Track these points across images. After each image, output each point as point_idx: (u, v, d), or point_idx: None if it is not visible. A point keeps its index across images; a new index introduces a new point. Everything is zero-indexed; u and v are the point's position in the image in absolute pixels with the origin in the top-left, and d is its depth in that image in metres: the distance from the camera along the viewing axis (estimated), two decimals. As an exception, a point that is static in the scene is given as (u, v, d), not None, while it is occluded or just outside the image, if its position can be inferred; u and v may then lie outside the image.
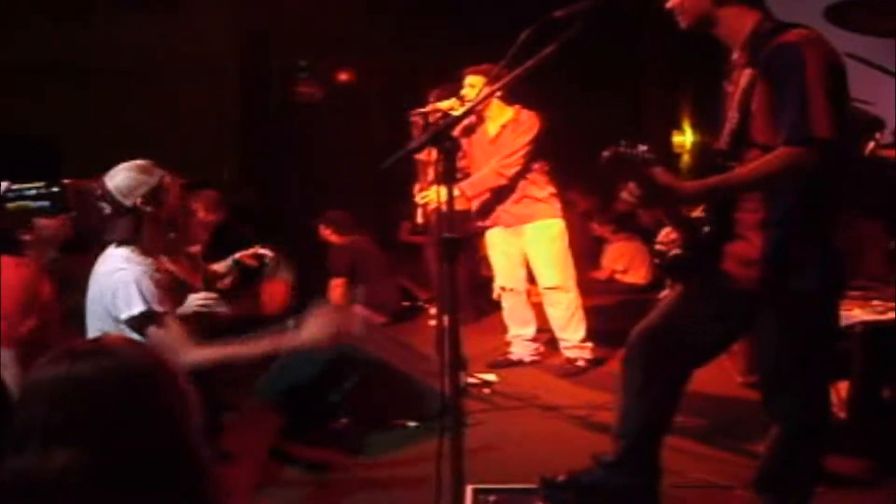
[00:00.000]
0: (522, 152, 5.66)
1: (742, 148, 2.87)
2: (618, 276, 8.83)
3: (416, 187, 6.29)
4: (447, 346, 2.83)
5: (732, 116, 2.88)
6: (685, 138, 11.01)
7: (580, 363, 5.86)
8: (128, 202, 3.35)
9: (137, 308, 3.22)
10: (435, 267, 6.94)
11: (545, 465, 3.74)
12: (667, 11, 3.04)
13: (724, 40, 3.01)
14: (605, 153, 2.74)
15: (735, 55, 2.99)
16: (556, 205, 5.85)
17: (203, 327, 3.51)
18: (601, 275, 8.94)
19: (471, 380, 5.34)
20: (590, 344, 5.92)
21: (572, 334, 5.89)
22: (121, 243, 3.37)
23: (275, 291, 5.05)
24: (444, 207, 2.86)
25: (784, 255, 2.88)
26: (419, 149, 3.57)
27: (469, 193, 5.70)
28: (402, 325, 7.30)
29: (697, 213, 3.04)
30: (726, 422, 4.64)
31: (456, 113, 3.68)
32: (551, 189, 5.84)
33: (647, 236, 8.70)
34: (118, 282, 3.26)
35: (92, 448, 1.45)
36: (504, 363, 5.97)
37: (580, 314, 5.90)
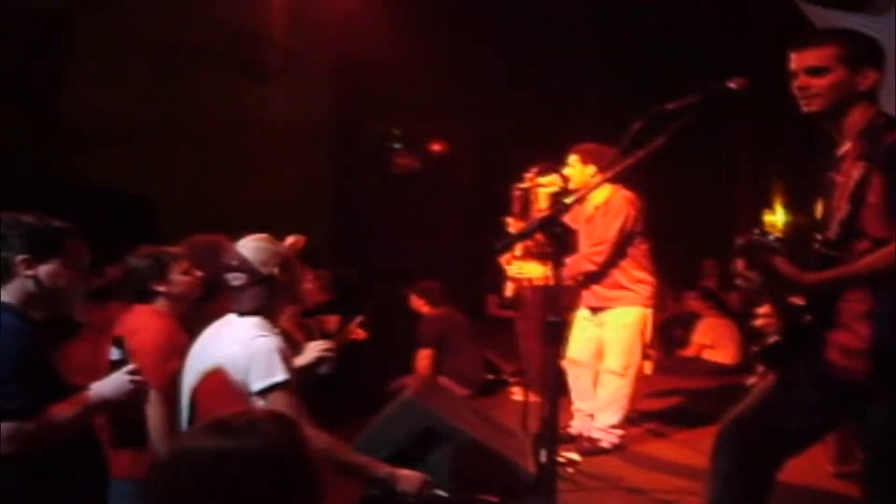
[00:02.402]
0: (612, 241, 5.65)
1: (851, 238, 2.89)
2: (705, 353, 8.78)
3: (505, 259, 6.32)
4: (546, 424, 2.84)
5: (842, 207, 2.89)
6: (777, 218, 10.93)
7: (603, 444, 5.79)
8: (265, 271, 3.37)
9: (280, 376, 3.18)
10: (525, 342, 6.91)
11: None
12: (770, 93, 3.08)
13: (837, 131, 3.04)
14: (741, 240, 2.82)
15: (846, 147, 3.01)
16: (643, 291, 5.79)
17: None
18: (689, 351, 8.91)
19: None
20: (620, 431, 5.85)
21: (608, 418, 5.84)
22: (248, 313, 3.36)
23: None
24: (546, 288, 2.91)
25: (892, 348, 2.85)
26: (530, 235, 3.61)
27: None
28: (485, 399, 7.25)
29: (798, 300, 3.02)
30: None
31: (567, 200, 3.71)
32: (640, 275, 5.79)
33: (736, 317, 8.70)
34: (258, 349, 3.23)
35: None
36: (564, 438, 5.85)
37: (623, 402, 5.84)
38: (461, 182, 13.03)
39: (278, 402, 3.16)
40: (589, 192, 4.92)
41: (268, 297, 3.37)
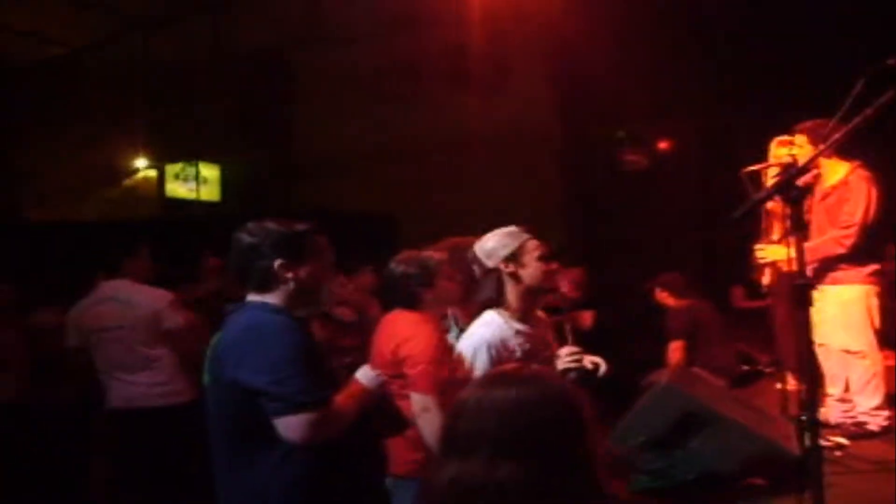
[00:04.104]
0: (860, 223, 5.44)
1: None
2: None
3: (758, 247, 6.21)
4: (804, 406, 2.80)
5: None
6: None
7: (871, 427, 5.57)
8: (490, 263, 3.55)
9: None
10: (782, 329, 6.72)
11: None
12: None
13: None
14: None
15: None
16: (862, 270, 5.56)
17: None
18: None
19: (822, 442, 5.18)
20: (886, 412, 5.60)
21: (866, 400, 5.63)
22: (489, 304, 3.57)
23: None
24: (788, 260, 2.85)
25: None
26: (766, 199, 3.57)
27: (807, 259, 5.57)
28: (742, 389, 7.10)
29: None
30: None
31: (801, 160, 3.68)
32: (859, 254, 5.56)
33: None
34: (470, 341, 3.51)
35: (532, 464, 1.65)
36: (827, 423, 5.67)
37: (878, 381, 5.61)
38: (692, 176, 12.86)
39: None
40: (815, 159, 4.80)
41: (496, 288, 3.54)
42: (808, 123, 5.53)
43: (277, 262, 3.06)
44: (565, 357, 3.72)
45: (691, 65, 11.42)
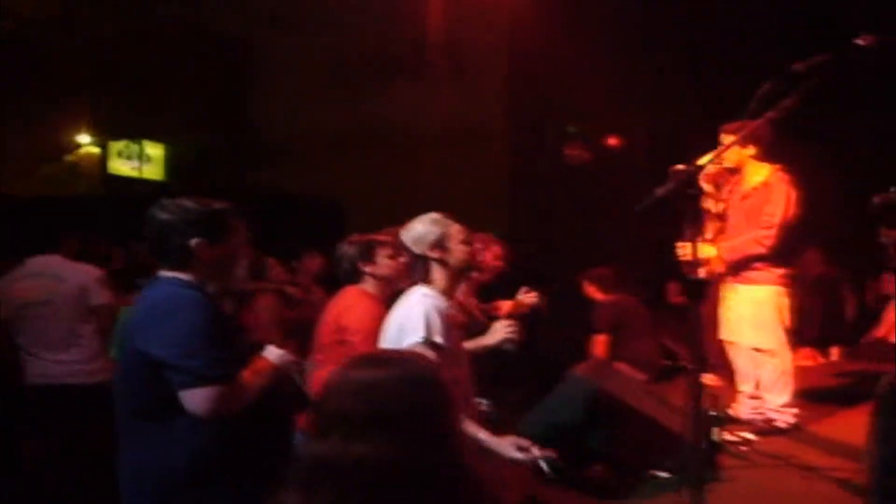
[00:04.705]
0: (780, 224, 5.60)
1: None
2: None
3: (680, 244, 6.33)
4: (693, 388, 2.93)
5: None
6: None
7: (779, 424, 5.74)
8: (417, 249, 3.61)
9: (418, 335, 3.39)
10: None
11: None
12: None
13: None
14: (876, 199, 2.83)
15: None
16: (775, 271, 5.73)
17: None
18: (880, 331, 8.65)
19: (729, 437, 5.33)
20: (794, 410, 5.79)
21: (775, 397, 5.80)
22: (420, 284, 3.64)
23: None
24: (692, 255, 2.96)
25: None
26: (666, 195, 3.69)
27: (726, 257, 5.73)
28: (664, 384, 7.24)
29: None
30: None
31: (700, 162, 3.81)
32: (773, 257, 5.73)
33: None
34: (411, 311, 3.51)
35: (386, 443, 1.73)
36: (735, 418, 5.87)
37: (786, 379, 5.79)
38: (639, 173, 12.99)
39: None
40: (720, 154, 4.93)
41: (425, 272, 3.60)
42: (733, 125, 5.66)
43: (194, 241, 3.09)
44: (503, 329, 3.90)
45: (644, 61, 11.52)
